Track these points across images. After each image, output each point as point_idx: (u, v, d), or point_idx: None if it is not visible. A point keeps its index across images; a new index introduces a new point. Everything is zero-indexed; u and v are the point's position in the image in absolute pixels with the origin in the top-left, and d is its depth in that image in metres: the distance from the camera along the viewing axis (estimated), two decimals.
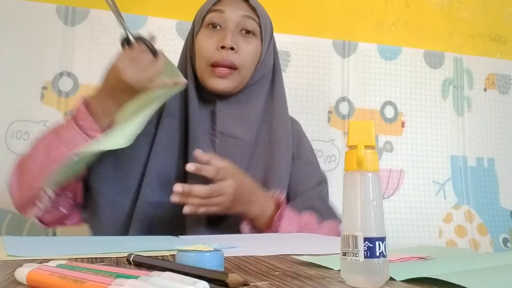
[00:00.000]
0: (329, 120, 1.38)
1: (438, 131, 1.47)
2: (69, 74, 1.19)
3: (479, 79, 1.53)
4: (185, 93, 0.96)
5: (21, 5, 1.18)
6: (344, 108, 1.40)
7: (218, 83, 0.92)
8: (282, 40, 1.36)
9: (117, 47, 1.23)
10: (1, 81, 1.15)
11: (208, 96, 0.96)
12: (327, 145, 1.37)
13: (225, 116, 0.95)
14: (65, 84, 1.19)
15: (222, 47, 0.91)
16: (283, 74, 1.35)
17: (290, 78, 1.36)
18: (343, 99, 1.40)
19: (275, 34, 1.38)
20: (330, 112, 1.38)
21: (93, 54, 1.22)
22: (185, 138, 0.94)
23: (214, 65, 0.92)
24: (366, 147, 0.37)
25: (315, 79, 1.38)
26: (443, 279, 0.36)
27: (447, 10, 1.56)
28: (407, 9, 1.52)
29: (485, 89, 1.53)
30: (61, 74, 1.19)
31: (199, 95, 0.97)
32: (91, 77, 1.21)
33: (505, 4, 1.61)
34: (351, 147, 0.38)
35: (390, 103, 1.44)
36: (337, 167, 1.36)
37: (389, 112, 1.44)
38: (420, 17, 1.53)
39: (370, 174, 0.37)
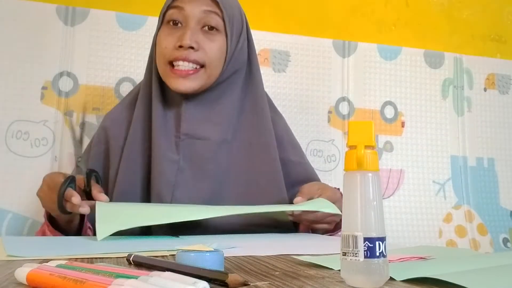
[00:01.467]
0: (329, 120, 1.38)
1: (438, 131, 1.47)
2: (69, 74, 1.19)
3: (479, 79, 1.53)
4: (150, 95, 0.93)
5: (21, 5, 1.18)
6: (344, 108, 1.40)
7: (181, 84, 0.87)
8: (282, 40, 1.36)
9: (117, 47, 1.23)
10: (1, 81, 1.15)
11: (174, 97, 0.92)
12: (327, 145, 1.37)
13: (191, 117, 0.90)
14: (65, 84, 1.19)
15: (181, 46, 0.86)
16: (284, 74, 1.36)
17: (290, 78, 1.36)
18: (343, 99, 1.40)
19: (275, 34, 1.38)
20: (330, 112, 1.38)
21: (93, 54, 1.22)
22: (150, 143, 0.90)
23: (173, 62, 0.87)
24: (366, 147, 0.37)
25: (315, 79, 1.38)
26: (443, 279, 0.36)
27: (447, 10, 1.56)
28: (407, 9, 1.52)
29: (485, 89, 1.53)
30: (61, 74, 1.19)
31: (164, 96, 0.93)
32: (91, 77, 1.21)
33: (505, 4, 1.61)
34: (351, 147, 0.38)
35: (390, 103, 1.44)
36: (337, 167, 1.36)
37: (389, 112, 1.44)
38: (420, 17, 1.53)
39: (370, 174, 0.37)
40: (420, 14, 1.53)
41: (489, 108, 1.53)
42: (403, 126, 1.44)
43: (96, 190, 0.80)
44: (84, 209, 0.76)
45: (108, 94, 1.22)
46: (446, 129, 1.48)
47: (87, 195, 0.81)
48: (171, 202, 0.86)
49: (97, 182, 0.85)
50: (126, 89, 1.23)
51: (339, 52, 1.41)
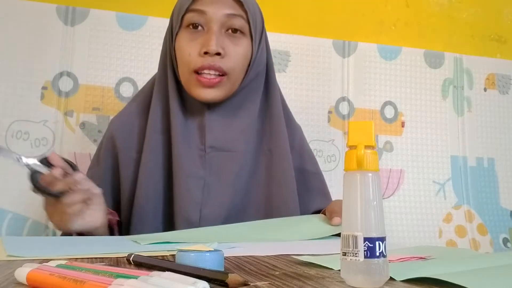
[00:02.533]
0: (329, 120, 1.38)
1: (438, 131, 1.47)
2: (69, 74, 1.19)
3: (479, 79, 1.53)
4: (167, 104, 0.86)
5: (21, 5, 1.18)
6: (344, 108, 1.40)
7: (206, 93, 0.82)
8: (282, 40, 1.36)
9: (117, 47, 1.23)
10: (1, 81, 1.15)
11: (195, 106, 0.86)
12: (327, 145, 1.37)
13: (216, 128, 0.85)
14: (65, 84, 1.19)
15: (206, 53, 0.80)
16: (284, 74, 1.36)
17: (290, 78, 1.36)
18: (343, 99, 1.40)
19: (275, 34, 1.38)
20: (330, 112, 1.38)
21: (93, 54, 1.22)
22: (170, 156, 0.84)
23: (199, 71, 0.81)
24: (366, 147, 0.37)
25: (315, 79, 1.38)
26: (443, 279, 0.36)
27: (447, 10, 1.56)
28: (407, 9, 1.52)
29: (485, 89, 1.53)
30: (61, 74, 1.19)
31: (183, 105, 0.86)
32: (91, 77, 1.21)
33: (505, 4, 1.61)
34: (351, 147, 0.38)
35: (390, 103, 1.44)
36: (337, 167, 1.36)
37: (389, 112, 1.44)
38: (420, 17, 1.53)
39: (370, 174, 0.37)
40: (420, 14, 1.53)
41: (489, 108, 1.53)
42: (403, 126, 1.44)
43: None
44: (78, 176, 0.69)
45: (108, 94, 1.22)
46: (446, 129, 1.48)
47: None
48: (199, 221, 0.81)
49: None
50: (126, 89, 1.23)
51: (339, 52, 1.41)
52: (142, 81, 1.24)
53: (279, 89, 0.96)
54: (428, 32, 1.53)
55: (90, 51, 1.21)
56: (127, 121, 0.90)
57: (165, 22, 1.27)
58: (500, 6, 1.60)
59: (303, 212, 0.89)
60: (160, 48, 0.93)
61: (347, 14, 1.46)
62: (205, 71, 0.81)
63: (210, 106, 0.86)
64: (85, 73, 1.21)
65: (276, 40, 1.35)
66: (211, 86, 0.81)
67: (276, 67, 1.35)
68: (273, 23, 1.35)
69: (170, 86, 0.86)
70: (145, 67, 1.25)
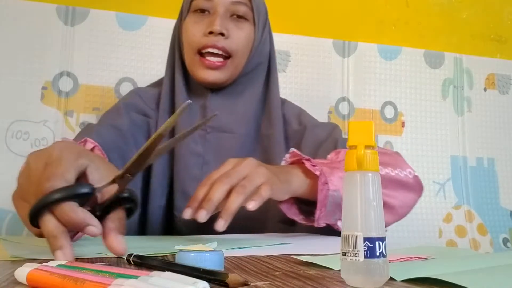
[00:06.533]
0: (329, 120, 1.38)
1: (438, 131, 1.47)
2: (69, 74, 1.19)
3: (479, 79, 1.53)
4: (173, 85, 0.92)
5: (21, 5, 1.18)
6: (344, 108, 1.40)
7: (209, 75, 0.87)
8: (282, 40, 1.36)
9: (117, 47, 1.23)
10: (1, 81, 1.15)
11: (198, 88, 0.91)
12: None
13: (217, 110, 0.89)
14: (65, 84, 1.19)
15: (210, 33, 0.85)
16: (284, 74, 1.36)
17: (290, 78, 1.36)
18: (343, 99, 1.40)
19: (275, 34, 1.38)
20: (330, 112, 1.38)
21: (93, 54, 1.22)
22: (174, 134, 0.89)
23: (202, 51, 0.86)
24: (366, 147, 0.37)
25: (315, 79, 1.38)
26: (443, 279, 0.36)
27: (447, 10, 1.56)
28: (407, 9, 1.52)
29: (485, 89, 1.53)
30: (61, 74, 1.19)
31: (188, 87, 0.92)
32: (91, 77, 1.21)
33: (505, 4, 1.61)
34: (351, 147, 0.38)
35: (390, 103, 1.44)
36: None
37: (389, 112, 1.44)
38: (420, 17, 1.53)
39: (370, 174, 0.37)
40: (420, 14, 1.53)
41: (489, 108, 1.53)
42: (403, 126, 1.44)
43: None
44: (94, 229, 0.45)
45: (108, 94, 1.22)
46: (446, 129, 1.48)
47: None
48: None
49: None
50: (126, 89, 1.23)
51: (339, 52, 1.41)
52: (142, 81, 1.24)
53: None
54: (428, 32, 1.53)
55: (90, 51, 1.22)
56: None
57: (165, 22, 1.27)
58: (500, 6, 1.60)
59: None
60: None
61: (347, 14, 1.46)
62: (209, 50, 0.85)
63: (213, 90, 0.91)
64: (85, 73, 1.21)
65: (276, 40, 1.34)
66: (213, 68, 0.86)
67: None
68: (273, 23, 1.35)
69: (177, 69, 0.91)
70: (145, 67, 1.25)
